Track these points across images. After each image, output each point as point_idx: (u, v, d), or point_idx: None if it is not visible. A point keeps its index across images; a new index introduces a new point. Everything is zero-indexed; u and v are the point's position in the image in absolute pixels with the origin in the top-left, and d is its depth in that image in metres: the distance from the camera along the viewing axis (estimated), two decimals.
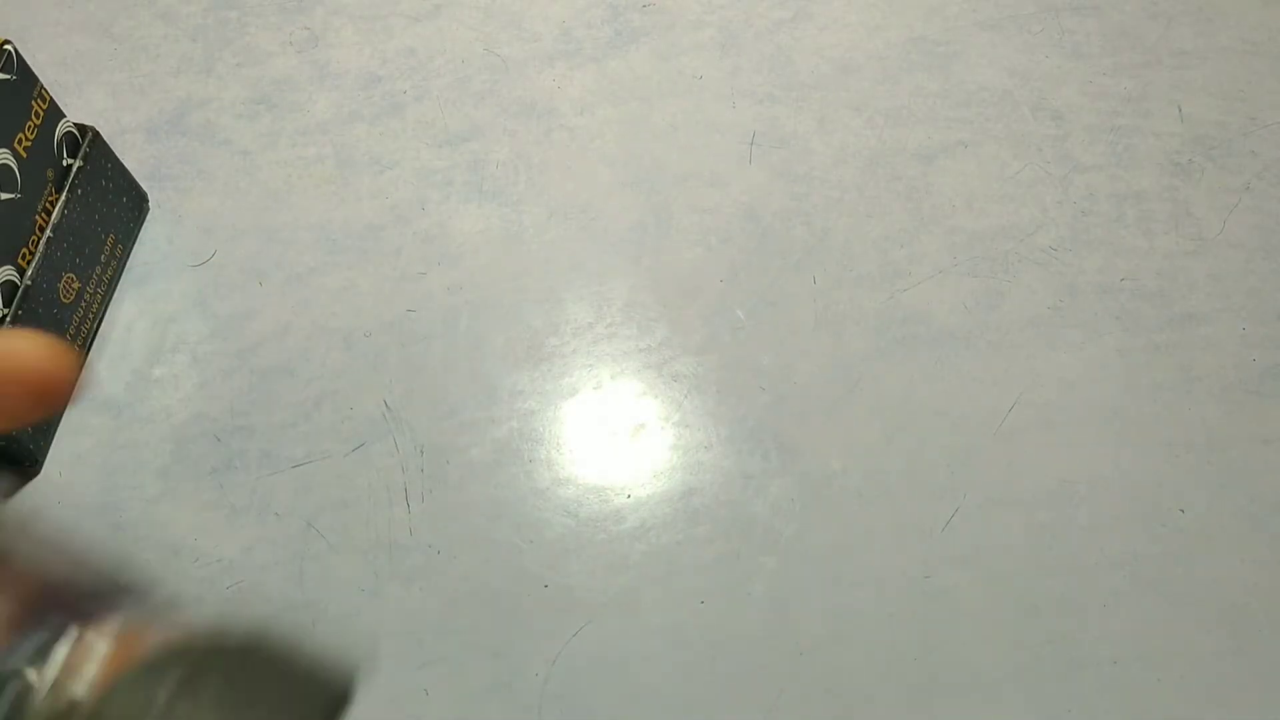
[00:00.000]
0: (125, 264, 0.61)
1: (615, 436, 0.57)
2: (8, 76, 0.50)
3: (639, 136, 0.66)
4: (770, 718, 0.50)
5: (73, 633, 0.20)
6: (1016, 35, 0.69)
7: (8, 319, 0.51)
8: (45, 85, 0.53)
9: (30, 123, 0.52)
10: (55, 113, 0.54)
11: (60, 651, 0.20)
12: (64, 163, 0.55)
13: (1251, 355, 0.59)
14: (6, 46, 0.50)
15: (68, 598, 0.20)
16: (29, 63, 0.52)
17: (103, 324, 0.59)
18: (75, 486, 0.55)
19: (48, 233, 0.54)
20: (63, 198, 0.55)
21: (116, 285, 0.60)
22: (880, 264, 0.61)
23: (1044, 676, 0.51)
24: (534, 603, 0.52)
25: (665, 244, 0.62)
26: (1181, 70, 0.68)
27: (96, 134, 0.57)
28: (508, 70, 0.68)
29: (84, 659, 0.20)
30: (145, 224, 0.63)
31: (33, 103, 0.52)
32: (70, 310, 0.56)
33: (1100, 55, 0.69)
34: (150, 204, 0.63)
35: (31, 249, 0.53)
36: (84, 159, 0.56)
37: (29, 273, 0.52)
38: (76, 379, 0.19)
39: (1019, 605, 0.52)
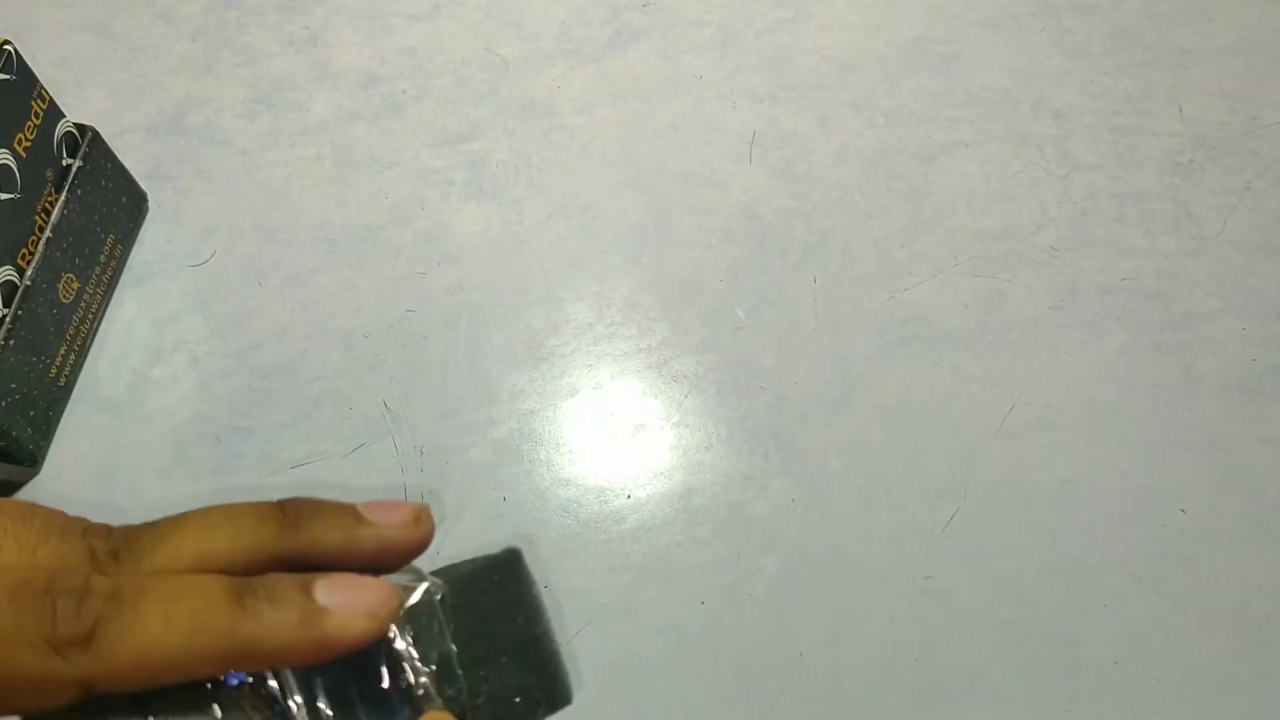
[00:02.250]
0: (125, 264, 0.61)
1: (615, 437, 0.57)
2: (7, 76, 0.50)
3: (639, 136, 0.66)
4: (770, 718, 0.50)
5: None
6: (1017, 35, 0.69)
7: (7, 319, 0.51)
8: (45, 85, 0.53)
9: (30, 123, 0.52)
10: (55, 113, 0.54)
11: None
12: (63, 163, 0.55)
13: (1252, 355, 0.59)
14: (6, 46, 0.50)
15: None
16: (29, 63, 0.52)
17: (102, 324, 0.59)
18: (75, 486, 0.55)
19: (47, 233, 0.54)
20: (62, 198, 0.55)
21: (116, 285, 0.60)
22: (880, 264, 0.61)
23: (1044, 676, 0.51)
24: None
25: (665, 244, 0.62)
26: (1182, 70, 0.68)
27: (96, 134, 0.57)
28: (507, 70, 0.68)
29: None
30: (145, 224, 0.63)
31: (32, 103, 0.52)
32: (70, 310, 0.56)
33: (1101, 55, 0.69)
34: (150, 204, 0.63)
35: (31, 249, 0.53)
36: (84, 159, 0.56)
37: (29, 273, 0.52)
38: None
39: (1019, 605, 0.52)
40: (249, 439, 0.56)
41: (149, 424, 0.57)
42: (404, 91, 0.67)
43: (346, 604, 0.24)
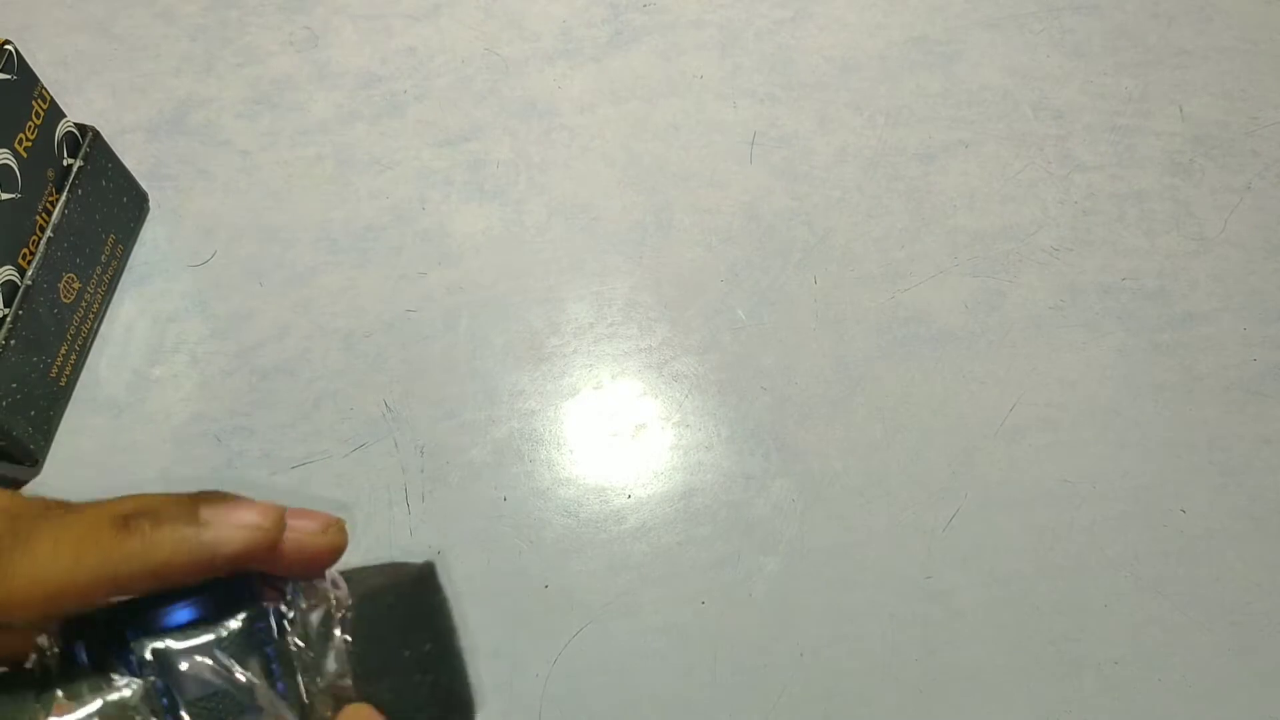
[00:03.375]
0: (125, 264, 0.61)
1: (616, 437, 0.57)
2: (8, 76, 0.50)
3: (639, 136, 0.66)
4: (770, 718, 0.50)
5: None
6: (1017, 35, 0.69)
7: (8, 318, 0.51)
8: (45, 85, 0.53)
9: (31, 123, 0.52)
10: (55, 112, 0.54)
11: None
12: (64, 162, 0.55)
13: (1252, 355, 0.59)
14: (7, 46, 0.50)
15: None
16: (29, 62, 0.52)
17: (103, 324, 0.59)
18: (75, 486, 0.55)
19: (48, 233, 0.54)
20: (63, 198, 0.55)
21: (117, 285, 0.60)
22: (881, 264, 0.61)
23: (1044, 676, 0.51)
24: (534, 603, 0.52)
25: (666, 244, 0.62)
26: (1182, 70, 0.68)
27: (97, 134, 0.57)
28: (508, 70, 0.68)
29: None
30: (145, 224, 0.63)
31: (33, 103, 0.52)
32: (71, 310, 0.56)
33: (1101, 55, 0.69)
34: (150, 204, 0.63)
35: (32, 249, 0.53)
36: (84, 159, 0.56)
37: (30, 273, 0.52)
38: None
39: (1020, 605, 0.52)
40: (249, 439, 0.56)
41: (149, 424, 0.57)
42: (404, 91, 0.67)
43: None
